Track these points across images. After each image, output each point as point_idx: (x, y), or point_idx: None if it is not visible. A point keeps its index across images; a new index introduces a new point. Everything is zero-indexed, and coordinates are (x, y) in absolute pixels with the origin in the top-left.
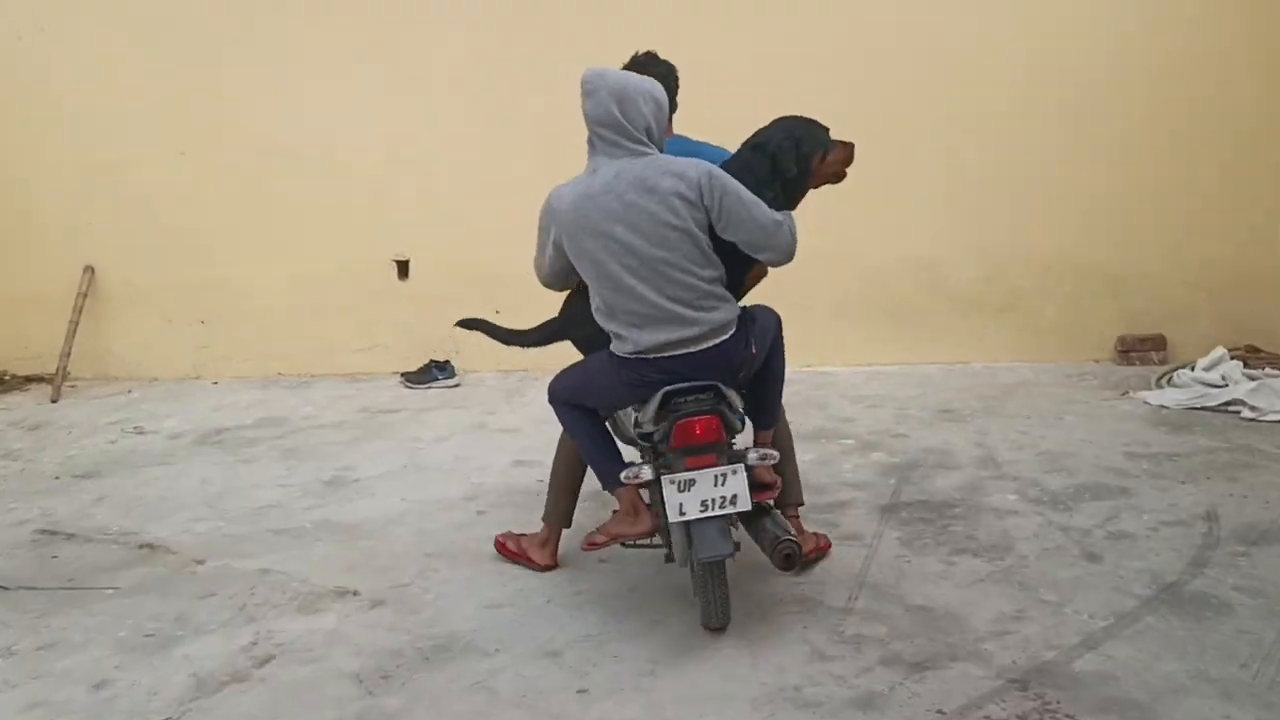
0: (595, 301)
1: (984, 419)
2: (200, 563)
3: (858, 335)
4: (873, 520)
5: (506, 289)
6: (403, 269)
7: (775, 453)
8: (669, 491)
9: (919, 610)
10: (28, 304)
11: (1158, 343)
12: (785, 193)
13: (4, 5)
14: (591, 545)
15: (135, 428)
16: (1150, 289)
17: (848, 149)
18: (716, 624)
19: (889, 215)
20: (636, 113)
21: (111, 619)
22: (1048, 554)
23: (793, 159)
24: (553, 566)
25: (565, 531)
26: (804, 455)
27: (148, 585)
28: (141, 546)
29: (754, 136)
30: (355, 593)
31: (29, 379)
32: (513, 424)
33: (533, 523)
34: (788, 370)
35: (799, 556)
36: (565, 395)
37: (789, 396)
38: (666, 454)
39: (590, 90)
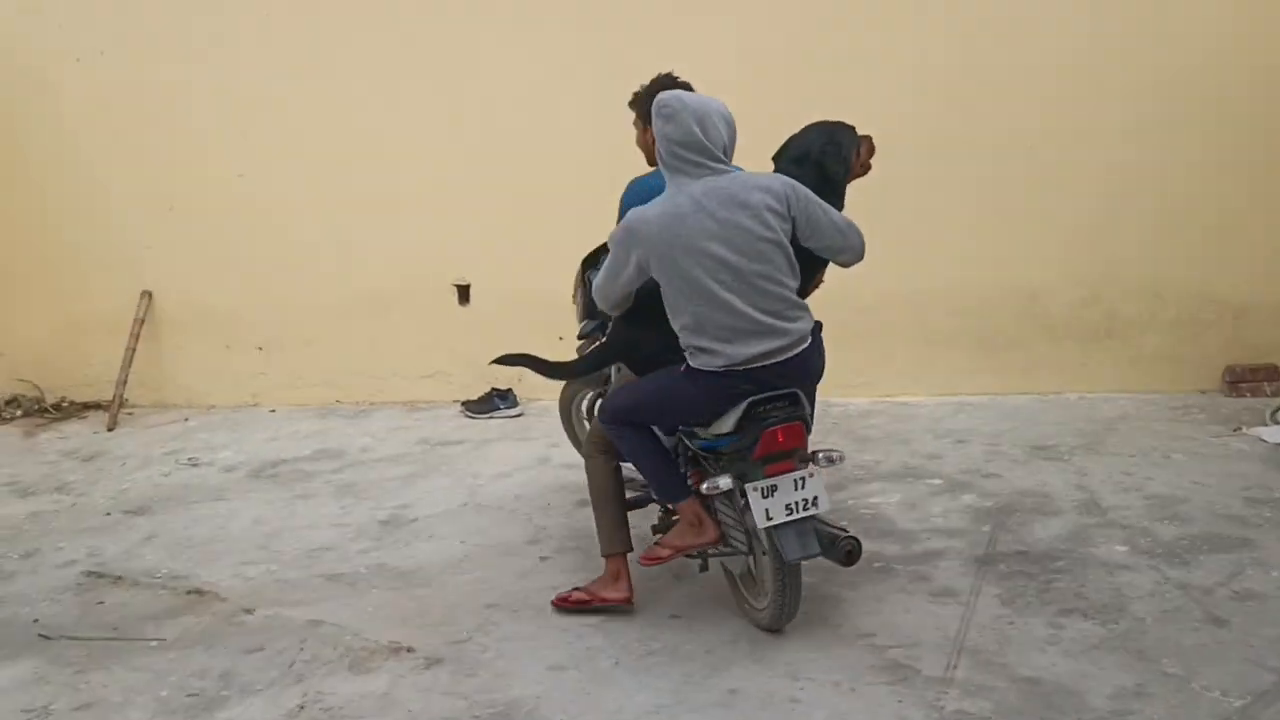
0: (682, 319)
1: (1083, 457)
2: (249, 612)
3: (941, 363)
4: (968, 574)
5: (571, 315)
6: (463, 294)
7: (840, 452)
8: (754, 499)
9: (1027, 683)
10: (85, 329)
11: (1270, 373)
12: (834, 195)
13: (64, 28)
14: (654, 559)
15: (190, 459)
16: (1262, 315)
17: (869, 141)
18: (786, 623)
19: (978, 238)
20: (716, 132)
21: (154, 676)
22: (1167, 617)
23: (838, 161)
24: (631, 598)
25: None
26: (888, 496)
27: (194, 636)
28: (190, 592)
29: (788, 149)
30: (410, 649)
31: (86, 406)
32: (577, 459)
33: (598, 569)
34: (865, 401)
35: (859, 552)
36: (627, 415)
37: (868, 429)
38: (744, 462)
39: (671, 114)
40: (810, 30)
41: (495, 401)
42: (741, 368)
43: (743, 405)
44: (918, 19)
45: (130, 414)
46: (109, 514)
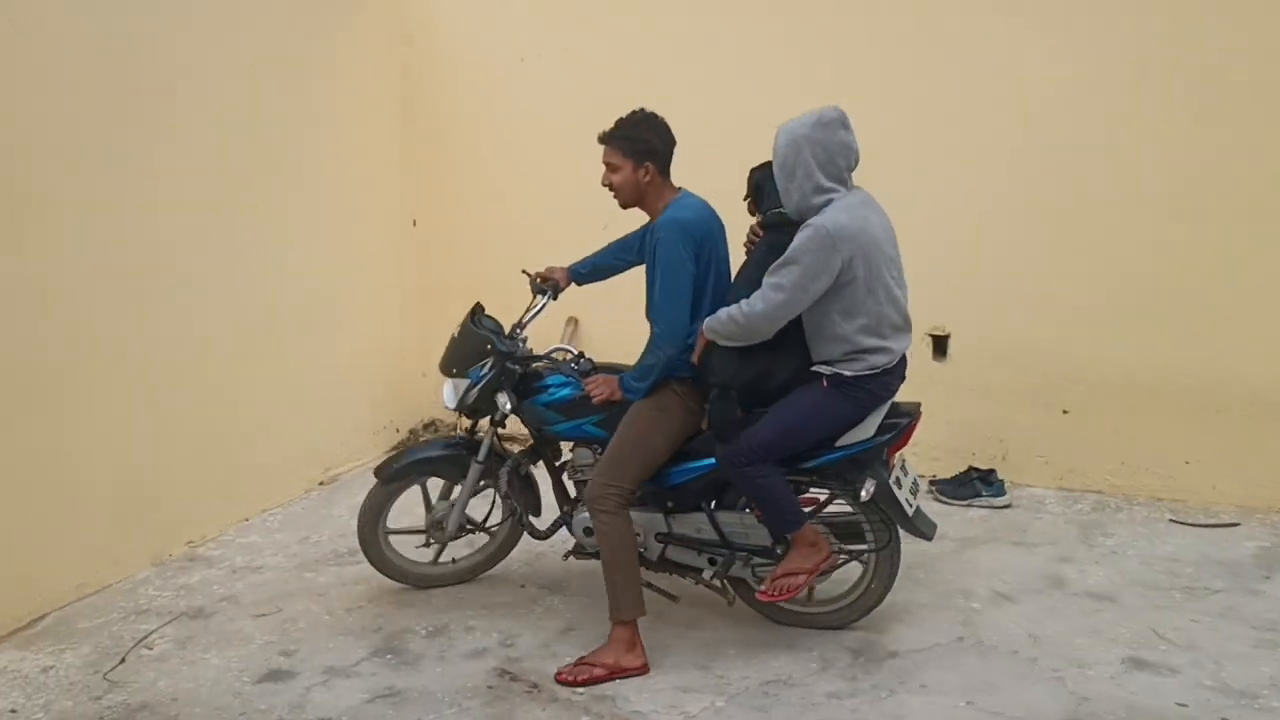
0: (861, 320)
1: None
2: None
3: None
4: None
5: (1075, 382)
6: (939, 345)
7: None
8: (900, 493)
9: None
10: None
11: None
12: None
13: (521, 27)
14: (789, 593)
15: None
16: None
17: None
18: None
19: None
20: None
21: None
22: None
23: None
24: (648, 663)
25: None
26: None
27: None
28: None
29: (769, 209)
30: None
31: None
32: (1104, 584)
33: None
34: None
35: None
36: (771, 451)
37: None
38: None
39: (849, 125)
40: None
41: (975, 485)
42: (897, 362)
43: (885, 406)
44: None
45: None
46: (523, 586)
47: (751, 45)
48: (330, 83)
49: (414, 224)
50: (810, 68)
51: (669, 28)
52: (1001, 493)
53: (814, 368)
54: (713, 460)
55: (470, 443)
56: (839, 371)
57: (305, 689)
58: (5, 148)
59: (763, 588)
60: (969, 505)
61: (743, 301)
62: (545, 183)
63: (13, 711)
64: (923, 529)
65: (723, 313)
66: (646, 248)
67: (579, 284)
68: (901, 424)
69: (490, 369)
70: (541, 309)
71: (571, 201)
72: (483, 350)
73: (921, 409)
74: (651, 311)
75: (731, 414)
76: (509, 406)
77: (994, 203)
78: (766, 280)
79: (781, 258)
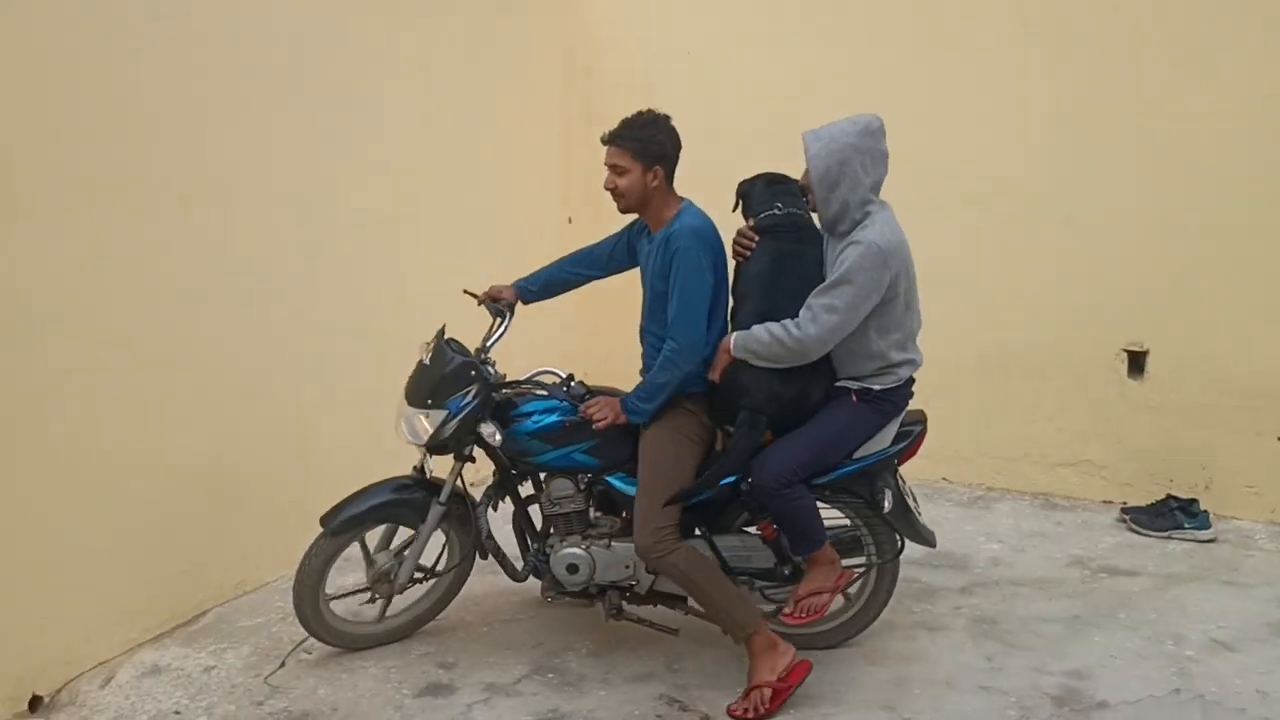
0: (895, 334)
1: None
2: None
3: None
4: None
5: None
6: (1136, 362)
7: None
8: (911, 503)
9: None
10: None
11: None
12: None
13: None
14: (817, 613)
15: None
16: None
17: None
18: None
19: None
20: None
21: None
22: None
23: None
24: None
25: None
26: None
27: None
28: None
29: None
30: None
31: None
32: None
33: None
34: None
35: None
36: (804, 471)
37: None
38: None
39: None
40: None
41: (1175, 515)
42: (915, 372)
43: (900, 415)
44: None
45: None
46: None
47: (927, 35)
48: (495, 82)
49: (569, 221)
50: (1002, 54)
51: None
52: (1206, 525)
53: (839, 383)
54: (724, 481)
55: (425, 482)
56: (868, 386)
57: (466, 706)
58: (197, 149)
59: (787, 610)
60: (1168, 537)
61: (788, 323)
62: (709, 180)
63: (177, 713)
64: (927, 537)
65: (761, 332)
66: (647, 258)
67: (526, 302)
68: (915, 432)
69: (474, 398)
70: (505, 331)
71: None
72: (466, 377)
73: (927, 417)
74: (670, 326)
75: (759, 442)
76: (498, 437)
77: (1206, 214)
78: (817, 302)
79: (833, 277)
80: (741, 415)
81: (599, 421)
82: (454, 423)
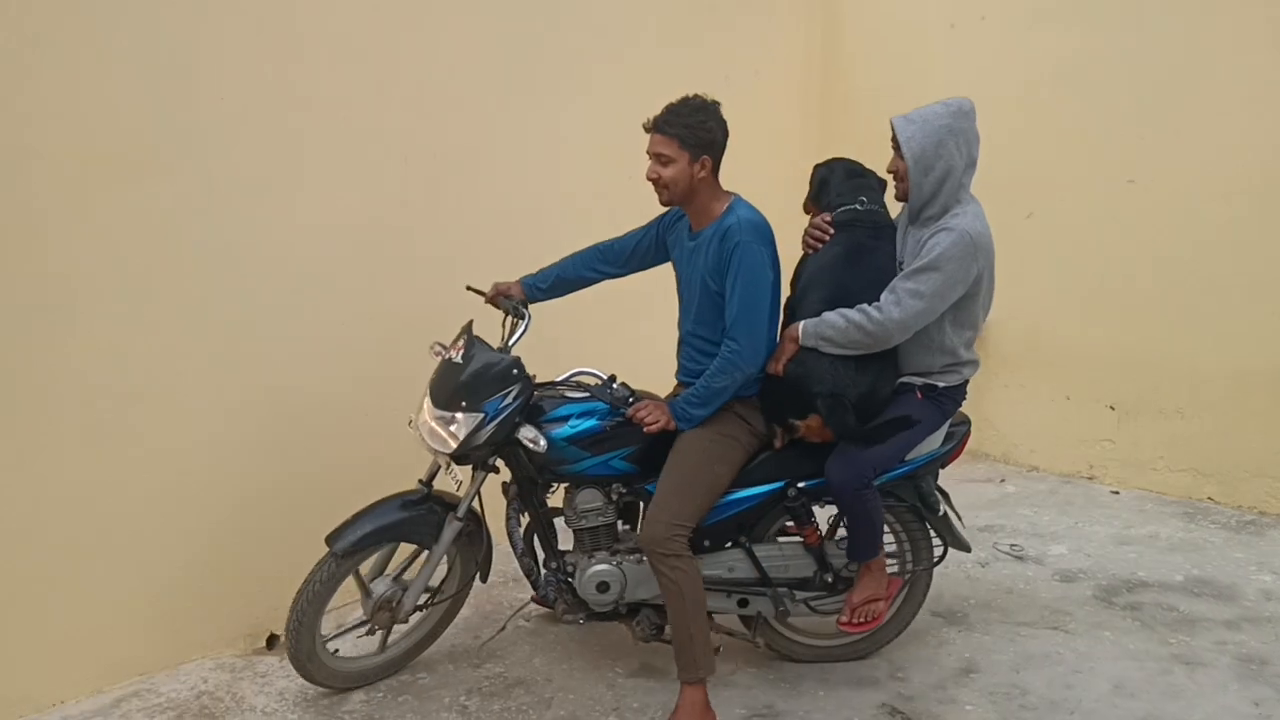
0: (969, 331)
1: None
2: None
3: None
4: None
5: None
6: None
7: None
8: (947, 508)
9: None
10: None
11: None
12: None
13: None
14: (875, 620)
15: (1012, 546)
16: None
17: None
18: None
19: None
20: None
21: None
22: None
23: None
24: None
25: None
26: None
27: None
28: None
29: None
30: None
31: None
32: None
33: None
34: None
35: None
36: (882, 468)
37: None
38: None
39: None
40: None
41: None
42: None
43: (951, 415)
44: None
45: None
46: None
47: (1183, 19)
48: (744, 53)
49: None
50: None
51: None
52: None
53: (904, 379)
54: (772, 486)
55: (432, 497)
56: (933, 383)
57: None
58: (432, 126)
59: (843, 619)
60: None
61: (865, 307)
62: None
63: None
64: (965, 541)
65: (836, 318)
66: (692, 255)
67: (532, 300)
68: (961, 432)
69: (516, 398)
70: (526, 329)
71: (1003, 174)
72: (507, 375)
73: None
74: (731, 326)
75: (854, 422)
76: (542, 442)
77: None
78: (902, 286)
79: (921, 263)
80: (821, 404)
81: (650, 425)
82: (491, 427)
